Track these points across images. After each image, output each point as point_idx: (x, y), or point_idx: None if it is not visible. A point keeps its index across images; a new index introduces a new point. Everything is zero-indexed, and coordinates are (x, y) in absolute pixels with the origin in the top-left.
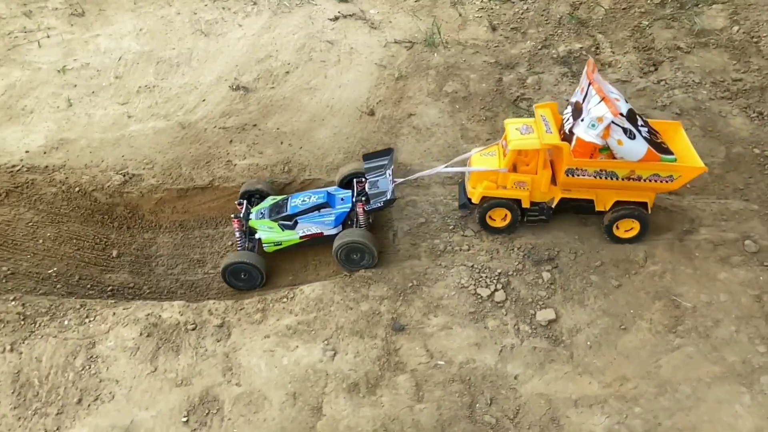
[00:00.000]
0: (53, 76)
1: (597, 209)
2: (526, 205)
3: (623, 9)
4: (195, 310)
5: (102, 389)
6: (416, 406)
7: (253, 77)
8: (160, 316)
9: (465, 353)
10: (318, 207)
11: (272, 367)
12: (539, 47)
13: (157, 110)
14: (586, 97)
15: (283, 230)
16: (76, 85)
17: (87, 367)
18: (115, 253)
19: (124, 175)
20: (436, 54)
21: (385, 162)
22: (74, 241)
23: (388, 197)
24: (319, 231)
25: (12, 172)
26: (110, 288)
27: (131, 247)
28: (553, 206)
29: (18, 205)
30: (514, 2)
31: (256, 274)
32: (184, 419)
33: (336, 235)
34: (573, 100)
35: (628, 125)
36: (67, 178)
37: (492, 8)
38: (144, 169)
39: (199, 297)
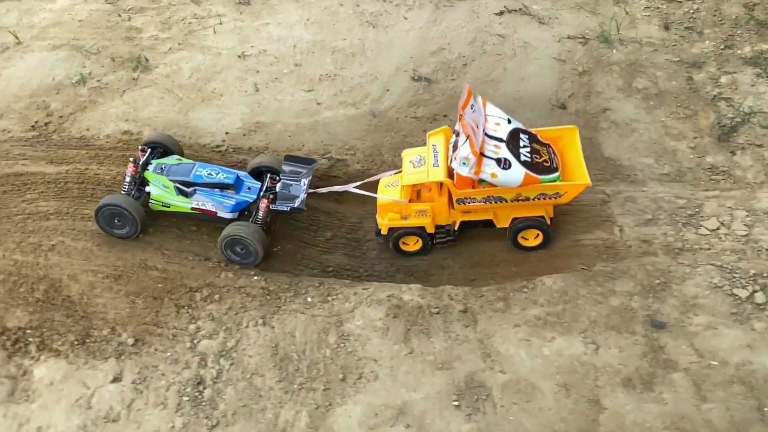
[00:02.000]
0: (234, 61)
1: (498, 226)
2: (431, 230)
3: None
4: (434, 294)
5: (362, 368)
6: (702, 405)
7: (431, 69)
8: (401, 298)
9: (738, 354)
10: (222, 185)
11: (533, 357)
12: (721, 47)
13: (344, 98)
14: (460, 131)
15: (177, 194)
16: (258, 71)
17: (341, 344)
18: (329, 234)
19: (329, 159)
20: (614, 51)
21: (304, 171)
22: (291, 221)
23: (296, 205)
24: (214, 210)
25: (220, 151)
26: (330, 269)
27: (341, 230)
28: (456, 228)
29: None
30: (681, 2)
31: (131, 225)
32: (455, 403)
33: (229, 220)
34: (456, 128)
35: (504, 154)
36: None
37: (659, 7)
38: (346, 154)
39: (420, 282)
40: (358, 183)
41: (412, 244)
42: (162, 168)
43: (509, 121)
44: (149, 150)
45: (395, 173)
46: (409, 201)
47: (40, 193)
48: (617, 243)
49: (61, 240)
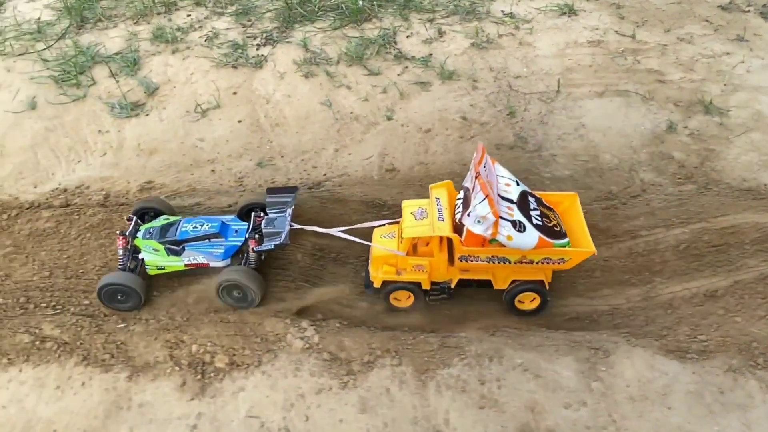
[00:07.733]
0: None
1: (496, 288)
2: (426, 287)
3: None
4: None
5: None
6: None
7: None
8: None
9: None
10: (209, 236)
11: None
12: None
13: None
14: (473, 188)
15: (168, 255)
16: None
17: None
18: None
19: None
20: None
21: (288, 200)
22: None
23: (281, 241)
24: (206, 261)
25: None
26: None
27: None
28: (452, 286)
29: None
30: None
31: (135, 297)
32: None
33: (222, 268)
34: (465, 185)
35: (518, 217)
36: None
37: None
38: None
39: None
40: (344, 228)
41: (404, 299)
42: (150, 232)
43: (518, 183)
44: (135, 218)
45: (388, 223)
46: (406, 254)
47: None
48: None
49: None
